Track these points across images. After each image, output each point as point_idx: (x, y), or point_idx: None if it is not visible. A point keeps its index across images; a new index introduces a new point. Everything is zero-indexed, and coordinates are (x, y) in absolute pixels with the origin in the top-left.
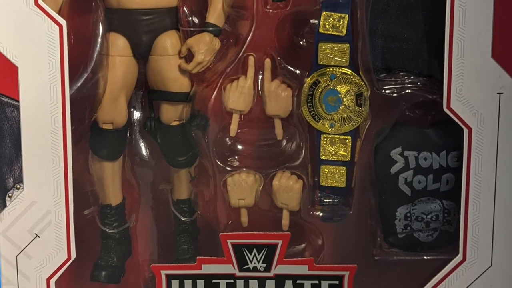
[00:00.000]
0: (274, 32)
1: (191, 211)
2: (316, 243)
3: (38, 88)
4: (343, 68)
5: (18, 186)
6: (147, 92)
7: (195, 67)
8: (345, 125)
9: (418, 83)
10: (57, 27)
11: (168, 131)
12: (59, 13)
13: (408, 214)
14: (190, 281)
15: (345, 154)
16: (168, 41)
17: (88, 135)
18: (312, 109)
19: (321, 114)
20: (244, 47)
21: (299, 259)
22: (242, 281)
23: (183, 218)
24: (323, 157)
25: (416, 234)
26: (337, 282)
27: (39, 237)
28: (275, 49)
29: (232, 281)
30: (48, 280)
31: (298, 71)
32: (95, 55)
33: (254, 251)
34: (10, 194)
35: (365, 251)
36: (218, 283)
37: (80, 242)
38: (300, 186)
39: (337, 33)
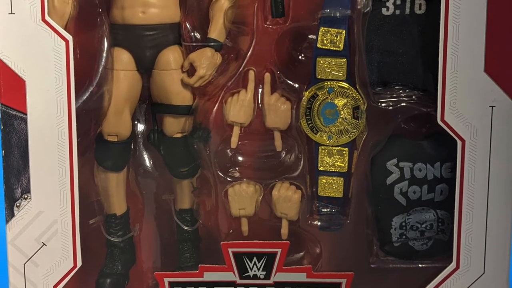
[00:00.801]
0: (273, 47)
1: (193, 221)
2: (314, 251)
3: (45, 101)
4: (341, 82)
5: (25, 196)
6: (150, 105)
7: (197, 81)
8: (343, 137)
9: (413, 97)
10: (63, 42)
11: (171, 143)
12: (65, 29)
13: (404, 224)
14: None
15: (342, 165)
16: (171, 56)
17: (94, 147)
18: (310, 122)
19: (319, 127)
20: (245, 61)
21: (297, 267)
22: None
23: (185, 227)
24: (321, 168)
25: (411, 243)
26: None
27: (46, 245)
28: (275, 64)
29: None
30: (55, 287)
31: (297, 85)
32: (100, 69)
33: (254, 259)
34: (18, 204)
35: (362, 259)
36: None
37: (85, 250)
38: (299, 196)
39: (334, 48)
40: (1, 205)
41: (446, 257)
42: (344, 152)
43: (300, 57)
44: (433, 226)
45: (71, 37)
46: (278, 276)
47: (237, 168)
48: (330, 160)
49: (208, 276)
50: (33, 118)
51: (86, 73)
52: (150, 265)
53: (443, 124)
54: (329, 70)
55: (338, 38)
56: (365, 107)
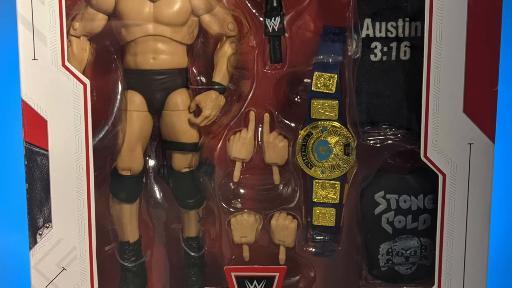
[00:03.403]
0: (272, 90)
1: (199, 247)
2: (309, 275)
3: (64, 139)
4: (333, 122)
5: (47, 225)
6: (160, 143)
7: (203, 120)
8: (335, 171)
9: (399, 135)
10: (81, 86)
11: (179, 177)
12: (83, 73)
13: (390, 250)
14: None
15: (335, 197)
16: (179, 98)
17: (109, 180)
18: (305, 158)
19: (314, 162)
20: (246, 103)
21: None
22: None
23: (192, 253)
24: (315, 200)
25: (397, 268)
26: None
27: (66, 270)
28: (273, 105)
29: None
30: None
31: (293, 124)
32: (115, 110)
33: (255, 282)
34: (40, 232)
35: (352, 282)
36: None
37: (102, 274)
38: (295, 225)
39: (327, 91)
40: (25, 233)
41: (428, 281)
42: (336, 185)
43: (296, 99)
44: (417, 252)
45: (88, 81)
46: None
47: (239, 200)
48: (323, 193)
49: None
50: (54, 154)
51: (102, 113)
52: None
53: (426, 160)
54: (323, 111)
55: (331, 82)
56: (355, 144)
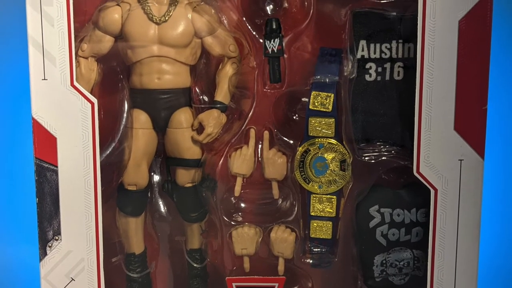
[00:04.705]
0: (271, 109)
1: (202, 259)
2: (307, 285)
3: (73, 156)
4: (330, 139)
5: (56, 237)
6: (165, 159)
7: (205, 138)
8: (331, 186)
9: (392, 152)
10: (89, 104)
11: (183, 192)
12: (91, 93)
13: (384, 261)
14: None
15: (331, 211)
16: (183, 116)
17: (115, 195)
18: (303, 173)
19: (311, 178)
20: (246, 121)
21: None
22: None
23: (195, 265)
24: (312, 213)
25: (390, 278)
26: None
27: (74, 280)
28: (273, 123)
29: None
30: None
31: (291, 141)
32: (121, 128)
33: None
34: (50, 245)
35: None
36: None
37: (108, 285)
38: (293, 238)
39: (324, 110)
40: (36, 246)
41: None
42: (333, 199)
43: (294, 117)
44: (410, 263)
45: (96, 100)
46: None
47: (240, 213)
48: (321, 207)
49: None
50: (63, 170)
51: (109, 131)
52: None
53: (418, 175)
54: (320, 129)
55: (328, 100)
56: (351, 160)
